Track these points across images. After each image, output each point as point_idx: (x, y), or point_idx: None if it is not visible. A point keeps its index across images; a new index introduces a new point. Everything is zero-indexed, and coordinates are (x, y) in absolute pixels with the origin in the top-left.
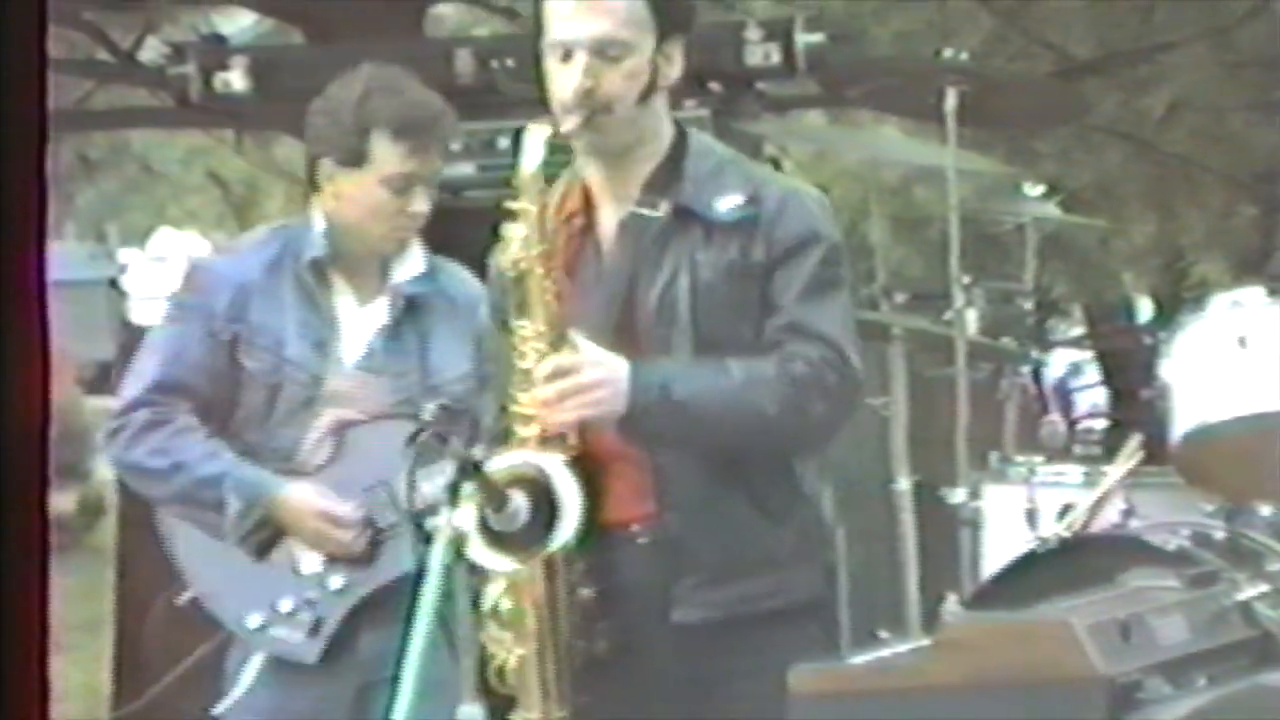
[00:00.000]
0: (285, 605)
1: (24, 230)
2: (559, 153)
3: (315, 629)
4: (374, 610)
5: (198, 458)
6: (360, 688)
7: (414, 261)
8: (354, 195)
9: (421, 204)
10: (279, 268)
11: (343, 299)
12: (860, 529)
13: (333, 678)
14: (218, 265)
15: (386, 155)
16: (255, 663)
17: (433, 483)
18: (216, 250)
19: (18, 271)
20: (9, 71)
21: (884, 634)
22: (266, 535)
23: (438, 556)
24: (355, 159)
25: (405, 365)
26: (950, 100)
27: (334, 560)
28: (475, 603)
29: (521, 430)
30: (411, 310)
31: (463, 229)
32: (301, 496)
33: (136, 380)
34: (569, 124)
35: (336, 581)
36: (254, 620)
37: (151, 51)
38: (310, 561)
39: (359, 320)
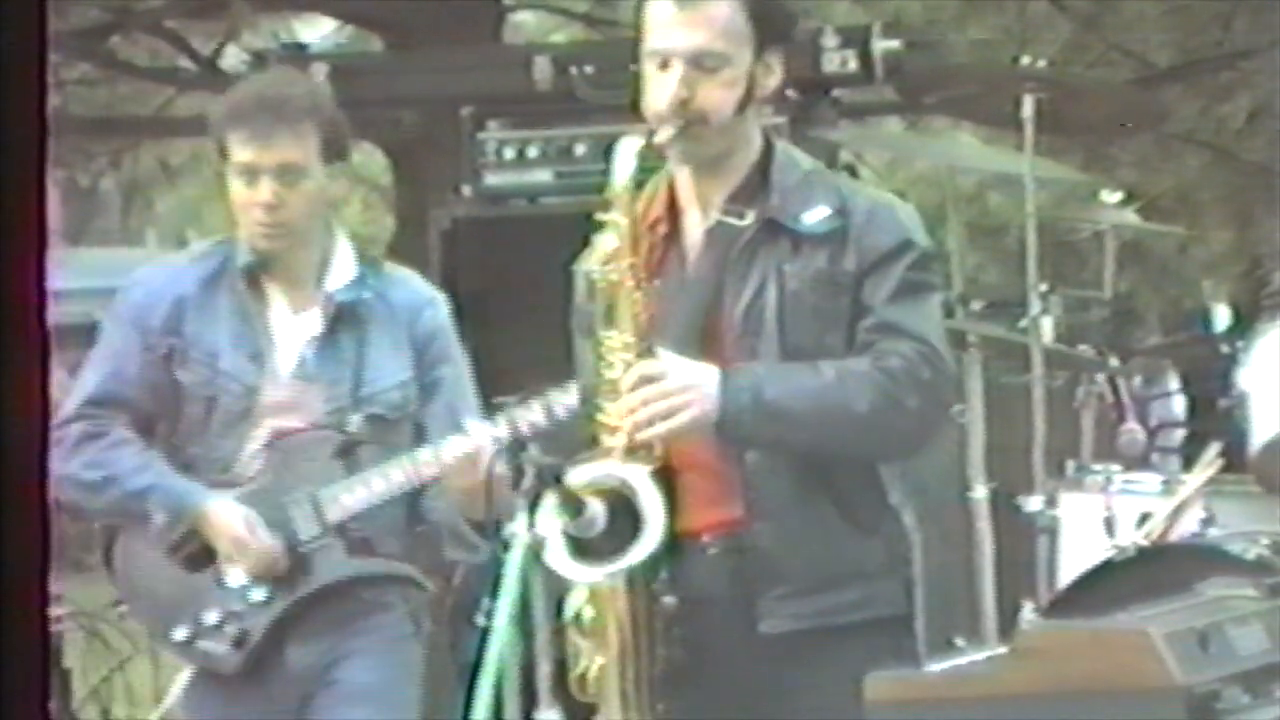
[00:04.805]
0: (210, 618)
1: (24, 232)
2: (647, 158)
3: (239, 641)
4: (301, 621)
5: (128, 471)
6: (302, 698)
7: (345, 267)
8: (229, 192)
9: (265, 194)
10: (217, 280)
11: (277, 309)
12: (937, 537)
13: (263, 689)
14: (155, 279)
15: (233, 146)
16: (183, 677)
17: (354, 494)
18: (158, 263)
19: (18, 273)
20: (9, 71)
21: (960, 642)
22: (197, 548)
23: (515, 563)
24: (222, 154)
25: (339, 374)
26: (1028, 107)
27: (258, 578)
28: (558, 611)
29: (607, 440)
30: (347, 317)
31: (540, 235)
32: (221, 513)
33: (76, 394)
34: (663, 134)
35: (259, 594)
36: (180, 634)
37: (233, 59)
38: (236, 574)
39: (293, 329)
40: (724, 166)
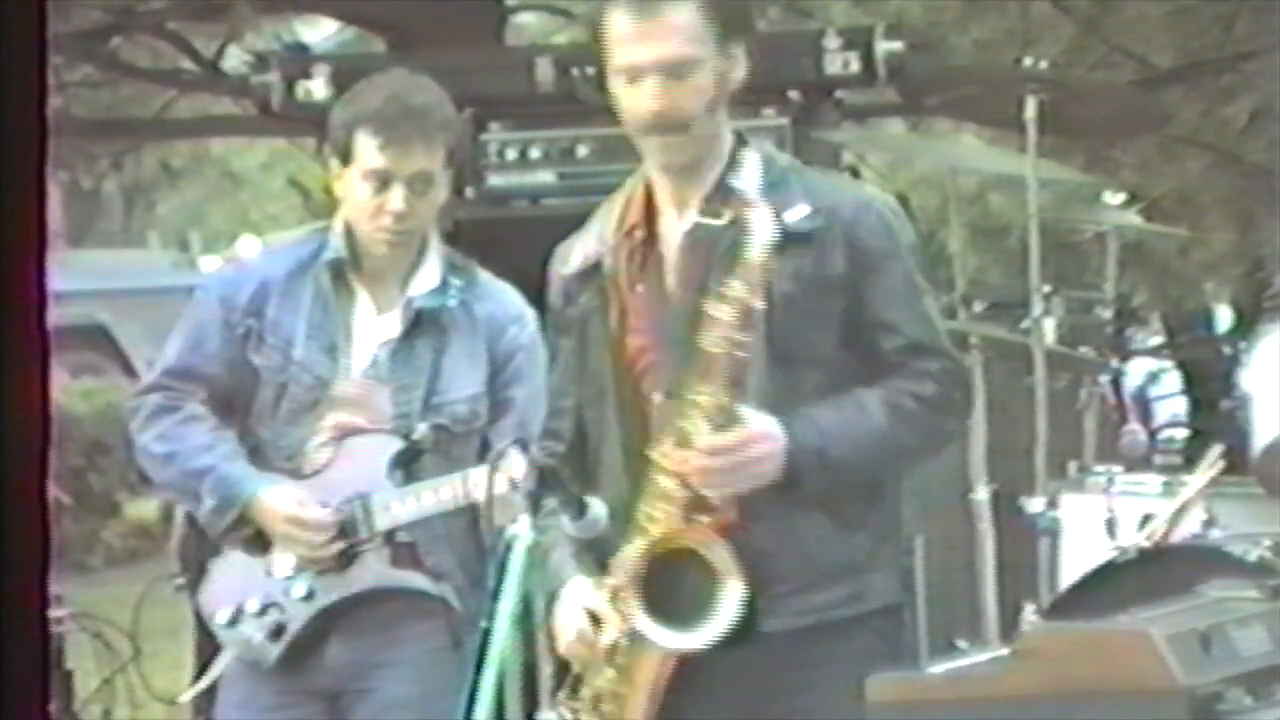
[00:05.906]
0: (252, 605)
1: (24, 233)
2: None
3: (277, 633)
4: (344, 620)
5: (191, 450)
6: (333, 696)
7: (429, 274)
8: (345, 192)
9: (397, 202)
10: (305, 269)
11: (361, 306)
12: (939, 538)
13: (297, 682)
14: (248, 260)
15: (365, 150)
16: (225, 656)
17: (404, 505)
18: (259, 246)
19: (18, 274)
20: (9, 72)
21: (962, 643)
22: (248, 534)
23: (516, 564)
24: (345, 155)
25: (412, 379)
26: (1030, 109)
27: (305, 567)
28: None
29: (666, 484)
30: (427, 324)
31: (543, 236)
32: (273, 499)
33: (159, 362)
34: (650, 146)
35: (300, 589)
36: (223, 615)
37: (234, 60)
38: (283, 566)
39: (373, 329)
40: (699, 166)
